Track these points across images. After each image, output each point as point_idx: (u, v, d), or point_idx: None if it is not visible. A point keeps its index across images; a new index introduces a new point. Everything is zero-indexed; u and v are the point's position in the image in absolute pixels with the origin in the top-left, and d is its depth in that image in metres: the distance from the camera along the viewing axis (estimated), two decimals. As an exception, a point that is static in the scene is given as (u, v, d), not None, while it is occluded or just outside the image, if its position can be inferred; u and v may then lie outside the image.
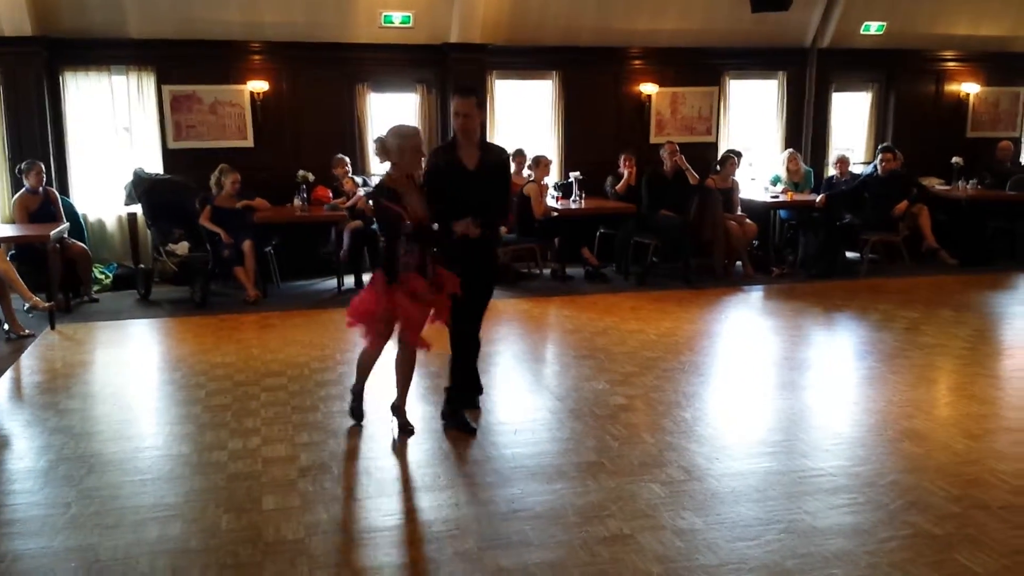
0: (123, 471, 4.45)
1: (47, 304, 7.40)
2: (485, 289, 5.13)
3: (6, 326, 7.10)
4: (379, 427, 5.05)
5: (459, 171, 4.88)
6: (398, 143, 4.66)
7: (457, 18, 9.65)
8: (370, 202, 5.26)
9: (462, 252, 4.89)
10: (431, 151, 5.19)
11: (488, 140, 5.75)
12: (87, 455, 4.65)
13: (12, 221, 8.51)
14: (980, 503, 4.01)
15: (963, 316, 7.75)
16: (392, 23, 9.68)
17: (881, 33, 11.13)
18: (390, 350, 4.97)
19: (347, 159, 9.34)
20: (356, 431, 5.01)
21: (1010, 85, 12.02)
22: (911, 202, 9.82)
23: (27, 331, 7.16)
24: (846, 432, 4.97)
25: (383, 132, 4.76)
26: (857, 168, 10.81)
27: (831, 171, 11.14)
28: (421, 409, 5.38)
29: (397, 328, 4.84)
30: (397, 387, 4.95)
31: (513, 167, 9.62)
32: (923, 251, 10.16)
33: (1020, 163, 11.52)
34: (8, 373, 6.25)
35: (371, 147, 9.93)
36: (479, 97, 5.03)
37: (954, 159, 10.96)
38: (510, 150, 9.71)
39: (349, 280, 9.20)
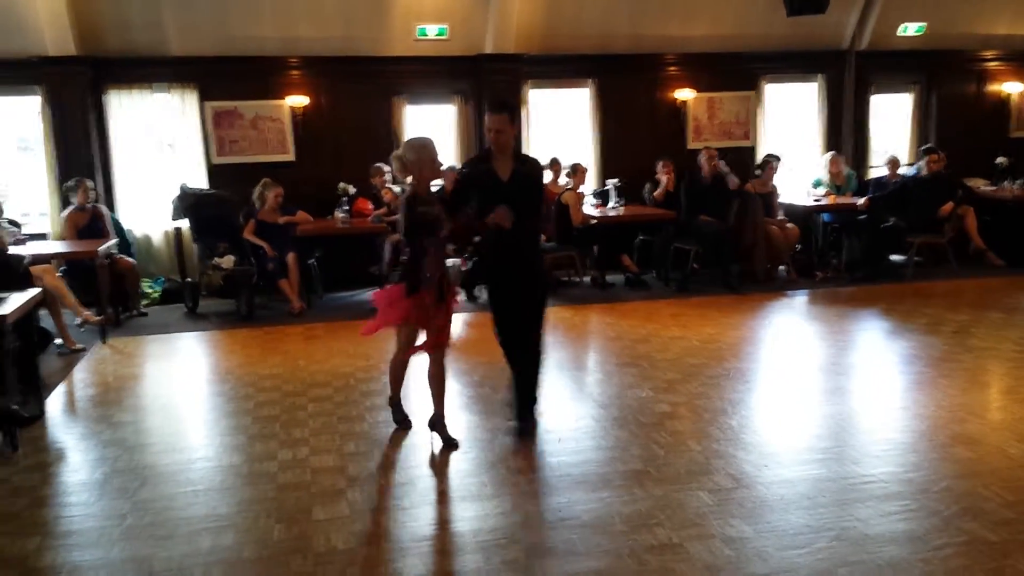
0: (176, 482, 4.52)
1: (98, 318, 7.55)
2: (531, 298, 5.13)
3: (59, 340, 7.26)
4: (424, 437, 5.08)
5: (493, 181, 4.98)
6: (418, 155, 4.73)
7: (492, 29, 9.70)
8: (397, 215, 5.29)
9: (503, 259, 5.01)
10: (465, 161, 5.29)
11: (523, 152, 5.78)
12: (140, 467, 4.74)
13: (62, 238, 8.69)
14: (1037, 509, 3.94)
15: (1013, 318, 7.62)
16: (427, 36, 9.76)
17: (920, 34, 10.99)
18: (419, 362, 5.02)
19: (385, 168, 9.42)
20: (401, 440, 5.04)
21: (1054, 83, 11.80)
22: (956, 203, 9.67)
23: (79, 345, 7.31)
24: (896, 438, 4.90)
25: (397, 149, 4.81)
26: (903, 170, 10.66)
27: (874, 173, 11.04)
28: (465, 419, 5.41)
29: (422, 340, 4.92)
30: (433, 400, 4.99)
31: (550, 175, 9.70)
32: (970, 253, 9.99)
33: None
34: (61, 386, 6.38)
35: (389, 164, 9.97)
36: (511, 112, 5.09)
37: (999, 159, 10.78)
38: (546, 159, 9.83)
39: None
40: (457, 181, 5.20)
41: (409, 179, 4.84)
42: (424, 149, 4.77)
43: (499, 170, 5.00)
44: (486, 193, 4.96)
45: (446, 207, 4.96)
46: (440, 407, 4.99)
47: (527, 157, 5.30)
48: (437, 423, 5.00)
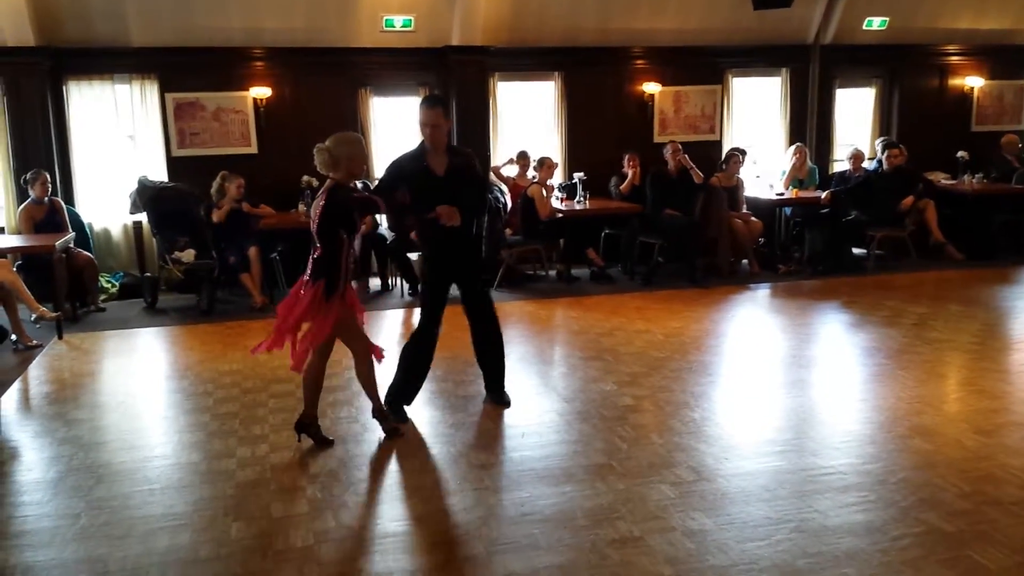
0: (132, 481, 4.45)
1: (54, 314, 7.42)
2: (472, 291, 5.31)
3: (14, 337, 7.11)
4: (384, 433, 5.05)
5: (429, 178, 5.02)
6: (349, 150, 4.63)
7: (458, 21, 9.65)
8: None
9: (443, 252, 5.11)
10: (398, 157, 5.25)
11: (455, 145, 5.81)
12: (96, 465, 4.66)
13: (18, 232, 8.53)
14: (992, 499, 3.99)
15: (971, 311, 7.73)
16: (393, 27, 9.69)
17: (883, 28, 11.11)
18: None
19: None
20: (362, 436, 5.00)
21: (1014, 78, 11.99)
22: (917, 197, 9.79)
23: (35, 342, 7.18)
24: (856, 429, 4.95)
25: (324, 143, 4.64)
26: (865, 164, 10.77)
27: (837, 167, 11.15)
28: (428, 413, 5.38)
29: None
30: (370, 397, 4.96)
31: (517, 169, 9.70)
32: (930, 246, 10.13)
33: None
34: (16, 384, 6.26)
35: (374, 150, 9.95)
36: (445, 106, 5.17)
37: (959, 153, 10.92)
38: (514, 152, 9.82)
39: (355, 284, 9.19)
40: (387, 171, 5.21)
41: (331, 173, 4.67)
42: (356, 144, 4.71)
43: (434, 165, 5.03)
44: (422, 189, 5.00)
45: (377, 192, 5.06)
46: (377, 398, 4.97)
47: (460, 149, 5.35)
48: (380, 412, 4.98)
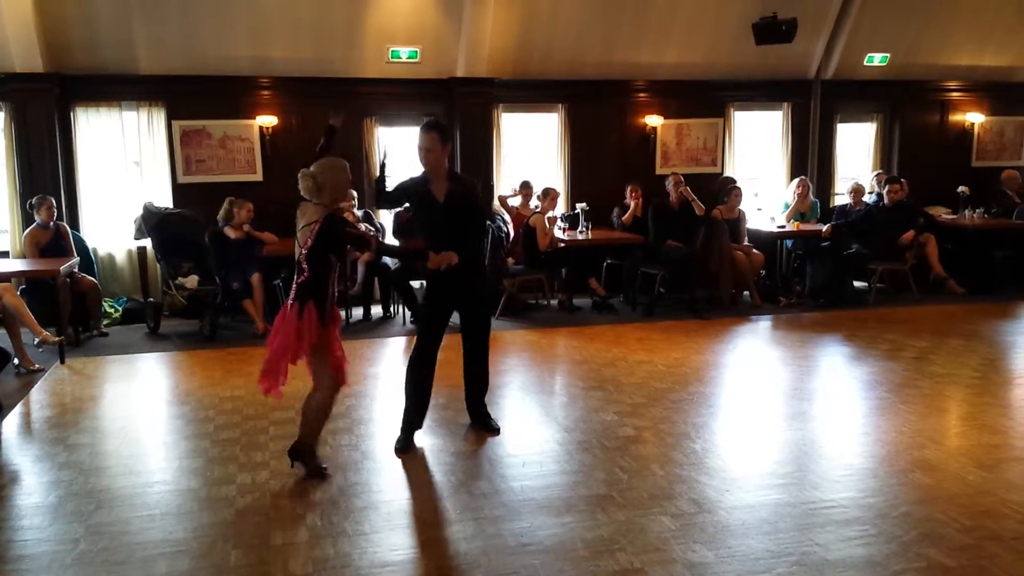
0: (132, 507, 4.44)
1: (57, 338, 7.43)
2: (473, 320, 5.42)
3: (16, 360, 7.12)
4: (387, 462, 5.04)
5: (430, 202, 5.13)
6: (333, 177, 4.65)
7: (463, 53, 9.75)
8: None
9: (443, 281, 5.12)
10: (403, 181, 5.34)
11: (458, 172, 5.89)
12: (96, 490, 4.65)
13: (23, 256, 8.56)
14: (993, 534, 3.98)
15: (972, 345, 7.73)
16: (399, 58, 9.79)
17: (884, 64, 11.21)
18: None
19: (354, 192, 9.37)
20: (362, 464, 4.99)
21: (1014, 114, 12.07)
22: (918, 231, 9.83)
23: (37, 365, 7.19)
24: (857, 463, 4.94)
25: (309, 168, 4.69)
26: (866, 198, 10.83)
27: (838, 201, 11.21)
28: (429, 442, 5.38)
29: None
30: (303, 429, 4.81)
31: (520, 199, 9.75)
32: (931, 280, 10.15)
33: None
34: (18, 408, 6.26)
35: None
36: (442, 131, 5.16)
37: (960, 188, 10.98)
38: (517, 182, 9.88)
39: (358, 312, 9.24)
40: (395, 188, 5.33)
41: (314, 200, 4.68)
42: (341, 171, 4.71)
43: (435, 191, 5.13)
44: (424, 213, 5.20)
45: (383, 202, 5.37)
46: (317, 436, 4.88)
47: (462, 176, 5.43)
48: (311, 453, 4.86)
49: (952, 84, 11.74)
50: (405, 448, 5.20)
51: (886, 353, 7.45)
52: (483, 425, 5.57)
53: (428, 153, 5.08)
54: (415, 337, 5.57)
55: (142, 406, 6.34)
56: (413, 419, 5.33)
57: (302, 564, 3.78)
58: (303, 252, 4.63)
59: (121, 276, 9.63)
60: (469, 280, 5.23)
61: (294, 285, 4.65)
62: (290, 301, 4.63)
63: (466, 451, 5.20)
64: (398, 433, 5.28)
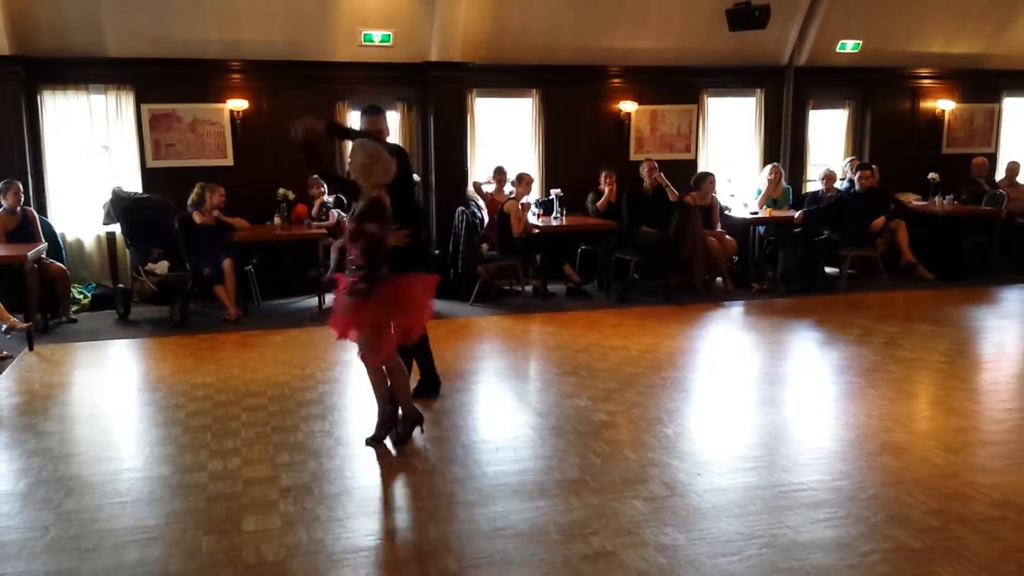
0: (102, 493, 4.40)
1: (25, 325, 7.33)
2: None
3: (-17, 347, 7.04)
4: (361, 448, 5.03)
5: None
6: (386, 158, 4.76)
7: (437, 36, 9.69)
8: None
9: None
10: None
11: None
12: (66, 478, 4.61)
13: (-10, 241, 8.43)
14: (959, 516, 4.05)
15: (941, 330, 7.83)
16: (372, 41, 9.71)
17: (857, 51, 11.27)
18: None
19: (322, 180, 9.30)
20: (336, 450, 4.98)
21: (984, 102, 12.19)
22: (888, 218, 9.92)
23: (5, 353, 7.09)
24: (826, 446, 5.00)
25: (369, 151, 4.74)
26: (838, 184, 10.92)
27: (811, 187, 11.29)
28: (403, 428, 5.37)
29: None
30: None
31: (495, 185, 9.73)
32: (901, 266, 10.26)
33: (994, 179, 11.66)
34: (-15, 395, 6.18)
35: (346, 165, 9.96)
36: (385, 114, 5.41)
37: (930, 175, 11.10)
38: (491, 167, 9.87)
39: (330, 298, 9.16)
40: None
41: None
42: (364, 154, 4.76)
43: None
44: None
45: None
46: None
47: (396, 146, 5.42)
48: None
49: (924, 71, 11.83)
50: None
51: (856, 338, 7.53)
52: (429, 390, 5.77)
53: (380, 134, 5.19)
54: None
55: (112, 393, 6.28)
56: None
57: (275, 550, 3.77)
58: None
59: (90, 262, 9.51)
60: (403, 258, 5.11)
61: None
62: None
63: (440, 436, 5.20)
64: (373, 420, 5.26)
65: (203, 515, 4.14)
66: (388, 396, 5.04)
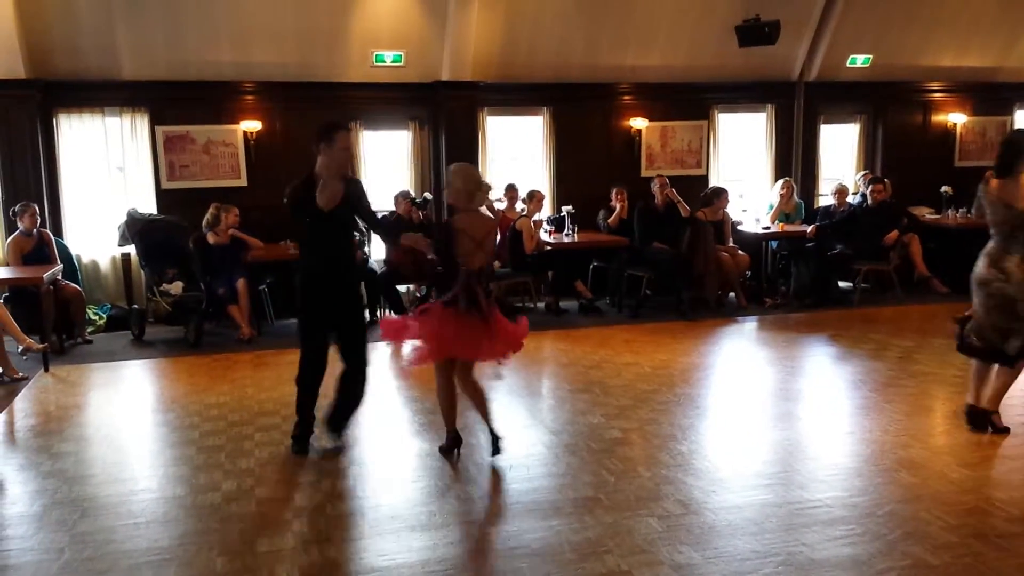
0: (117, 515, 4.42)
1: (41, 346, 7.38)
2: (354, 323, 5.22)
3: (0, 369, 7.07)
4: (373, 466, 5.03)
5: (317, 209, 4.81)
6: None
7: (448, 56, 9.75)
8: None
9: (330, 283, 5.02)
10: (296, 184, 5.07)
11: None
12: (80, 499, 4.62)
13: (6, 263, 8.52)
14: (977, 532, 4.01)
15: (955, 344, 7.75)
16: (384, 62, 9.78)
17: (867, 66, 11.27)
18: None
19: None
20: (349, 471, 4.98)
21: (996, 115, 12.15)
22: (901, 232, 9.88)
23: (21, 374, 7.14)
24: (842, 463, 4.97)
25: (471, 175, 4.94)
26: (850, 199, 10.88)
27: (823, 201, 11.25)
28: (416, 446, 5.38)
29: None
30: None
31: (506, 202, 9.75)
32: (914, 280, 10.20)
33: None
34: (2, 416, 6.22)
35: (364, 183, 10.02)
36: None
37: (943, 188, 11.05)
38: (502, 185, 9.90)
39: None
40: (291, 200, 5.08)
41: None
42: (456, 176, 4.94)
43: (331, 194, 4.80)
44: (318, 216, 4.85)
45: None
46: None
47: (354, 179, 5.27)
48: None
49: (934, 85, 11.81)
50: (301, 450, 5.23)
51: (871, 353, 7.49)
52: (333, 435, 5.30)
53: (348, 153, 5.04)
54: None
55: (127, 414, 6.30)
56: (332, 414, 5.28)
57: (288, 571, 3.77)
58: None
59: (105, 283, 9.58)
60: (352, 283, 5.14)
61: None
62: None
63: (453, 454, 5.18)
64: (385, 438, 5.27)
65: (217, 536, 4.14)
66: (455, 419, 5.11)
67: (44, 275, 7.68)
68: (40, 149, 9.13)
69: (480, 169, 10.26)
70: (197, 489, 4.73)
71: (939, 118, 11.97)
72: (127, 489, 4.77)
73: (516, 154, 10.88)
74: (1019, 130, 6.95)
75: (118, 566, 3.85)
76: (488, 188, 4.99)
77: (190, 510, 4.46)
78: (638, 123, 10.78)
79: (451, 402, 5.04)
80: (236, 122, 9.67)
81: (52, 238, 8.67)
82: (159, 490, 4.74)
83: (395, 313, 8.99)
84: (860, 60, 11.21)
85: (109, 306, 9.34)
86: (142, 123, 9.41)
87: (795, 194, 10.69)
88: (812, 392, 6.60)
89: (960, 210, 10.71)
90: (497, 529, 4.15)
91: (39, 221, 8.49)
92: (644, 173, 10.77)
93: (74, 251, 9.25)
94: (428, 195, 9.73)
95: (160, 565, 3.85)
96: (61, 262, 8.52)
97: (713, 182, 10.82)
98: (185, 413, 6.12)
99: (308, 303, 5.07)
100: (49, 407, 6.44)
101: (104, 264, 9.58)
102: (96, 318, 9.05)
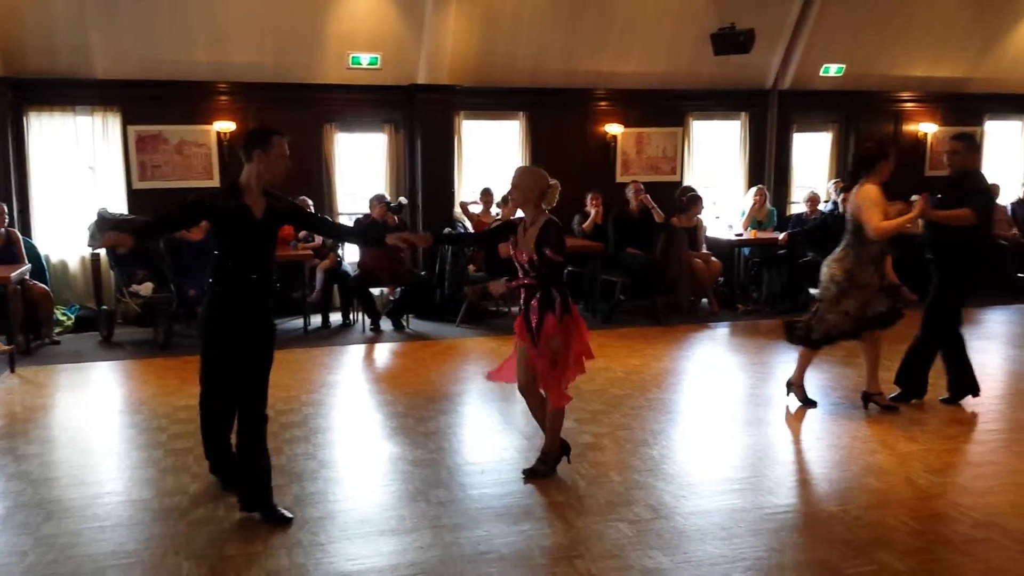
0: (82, 518, 4.36)
1: (7, 347, 7.28)
2: (261, 351, 4.38)
3: (-36, 370, 6.97)
4: (344, 471, 5.00)
5: (248, 220, 4.27)
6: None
7: (425, 59, 9.74)
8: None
9: (243, 304, 4.38)
10: (213, 193, 4.65)
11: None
12: (45, 501, 4.55)
13: (-28, 263, 8.38)
14: (942, 537, 4.05)
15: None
16: (360, 64, 9.75)
17: (840, 75, 11.39)
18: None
19: (309, 201, 9.24)
20: (319, 474, 4.95)
21: (967, 124, 12.27)
22: (871, 240, 9.96)
23: (-15, 374, 7.04)
24: (811, 468, 5.01)
25: (540, 175, 5.05)
26: (822, 206, 10.98)
27: (795, 209, 11.35)
28: (388, 450, 5.35)
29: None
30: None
31: (481, 206, 9.75)
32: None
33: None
34: (-35, 418, 6.12)
35: (339, 186, 9.99)
36: None
37: (912, 197, 11.15)
38: (477, 189, 9.89)
39: (316, 319, 9.15)
40: (192, 207, 4.47)
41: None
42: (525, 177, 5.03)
43: (254, 207, 4.29)
44: (239, 232, 4.28)
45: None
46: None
47: (277, 194, 4.45)
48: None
49: (906, 95, 11.96)
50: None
51: (840, 359, 7.54)
52: (267, 514, 4.29)
53: (285, 160, 4.38)
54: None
55: (94, 416, 6.22)
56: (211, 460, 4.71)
57: (256, 575, 3.73)
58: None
59: (74, 283, 9.45)
60: (263, 304, 4.41)
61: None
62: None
63: (424, 459, 5.17)
64: (356, 443, 5.24)
65: (184, 540, 4.10)
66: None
67: (12, 275, 7.57)
68: (10, 147, 9.00)
69: (456, 172, 10.28)
70: (164, 492, 4.67)
71: (910, 127, 12.12)
72: (93, 492, 4.70)
73: (491, 158, 10.86)
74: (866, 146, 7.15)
75: (82, 570, 3.80)
76: (558, 187, 4.97)
77: (157, 513, 4.41)
78: (614, 129, 10.82)
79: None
80: (210, 122, 9.59)
81: (20, 237, 8.53)
82: (125, 493, 4.69)
83: (369, 316, 8.95)
84: (833, 69, 11.33)
85: (77, 307, 9.22)
86: (114, 123, 9.31)
87: (768, 201, 10.77)
88: (782, 398, 6.63)
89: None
90: (467, 534, 4.13)
91: (7, 220, 8.37)
92: (619, 179, 10.80)
93: (43, 251, 9.12)
94: (403, 199, 9.69)
95: (126, 569, 3.80)
96: (29, 262, 8.40)
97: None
98: (153, 415, 6.06)
99: (211, 341, 4.54)
100: (15, 408, 6.35)
101: (73, 264, 9.46)
102: (64, 319, 8.93)
